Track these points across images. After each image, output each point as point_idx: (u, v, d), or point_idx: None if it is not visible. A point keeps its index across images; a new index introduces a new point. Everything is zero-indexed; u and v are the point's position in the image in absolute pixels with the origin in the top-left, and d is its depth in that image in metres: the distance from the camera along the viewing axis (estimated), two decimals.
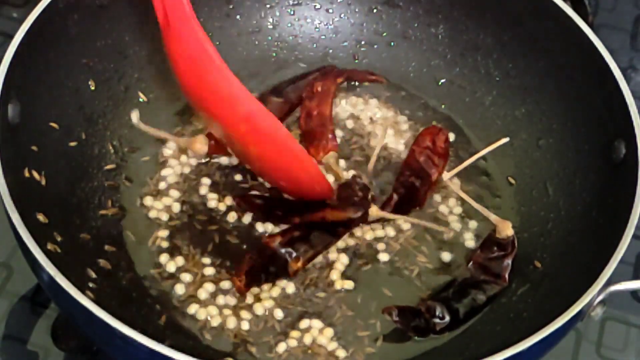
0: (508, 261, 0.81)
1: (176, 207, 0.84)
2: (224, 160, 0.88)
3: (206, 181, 0.87)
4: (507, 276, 0.81)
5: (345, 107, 0.93)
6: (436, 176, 0.87)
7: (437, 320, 0.78)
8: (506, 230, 0.82)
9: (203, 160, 0.88)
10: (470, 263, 0.82)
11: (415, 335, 0.78)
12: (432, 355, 0.77)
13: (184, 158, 0.88)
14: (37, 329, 0.81)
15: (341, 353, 0.78)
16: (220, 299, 0.79)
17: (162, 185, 0.86)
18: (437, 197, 0.88)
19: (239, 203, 0.84)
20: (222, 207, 0.85)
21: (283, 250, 0.79)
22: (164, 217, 0.84)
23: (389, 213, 0.84)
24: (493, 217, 0.83)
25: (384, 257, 0.83)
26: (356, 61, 0.96)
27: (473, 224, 0.86)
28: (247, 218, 0.84)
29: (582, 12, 0.88)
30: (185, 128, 0.90)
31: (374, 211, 0.82)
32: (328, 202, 0.82)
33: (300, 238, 0.80)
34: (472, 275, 0.81)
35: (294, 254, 0.79)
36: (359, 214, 0.81)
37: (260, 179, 0.86)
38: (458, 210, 0.87)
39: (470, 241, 0.85)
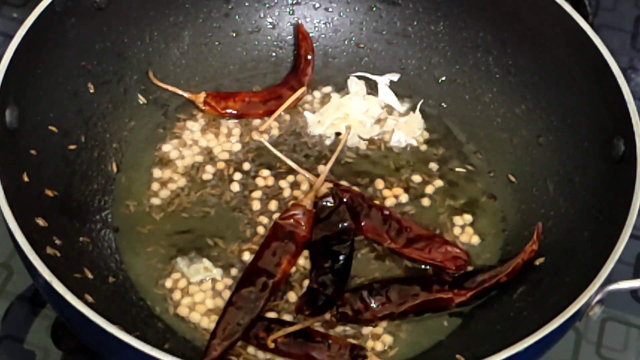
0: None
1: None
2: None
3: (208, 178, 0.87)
4: None
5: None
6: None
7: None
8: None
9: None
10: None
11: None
12: (432, 355, 0.78)
13: (185, 160, 0.88)
14: (35, 329, 0.81)
15: None
16: (219, 302, 0.79)
17: (163, 188, 0.86)
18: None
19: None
20: None
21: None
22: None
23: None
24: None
25: None
26: (356, 60, 0.96)
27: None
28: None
29: (582, 12, 0.87)
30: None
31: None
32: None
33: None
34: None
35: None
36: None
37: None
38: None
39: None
